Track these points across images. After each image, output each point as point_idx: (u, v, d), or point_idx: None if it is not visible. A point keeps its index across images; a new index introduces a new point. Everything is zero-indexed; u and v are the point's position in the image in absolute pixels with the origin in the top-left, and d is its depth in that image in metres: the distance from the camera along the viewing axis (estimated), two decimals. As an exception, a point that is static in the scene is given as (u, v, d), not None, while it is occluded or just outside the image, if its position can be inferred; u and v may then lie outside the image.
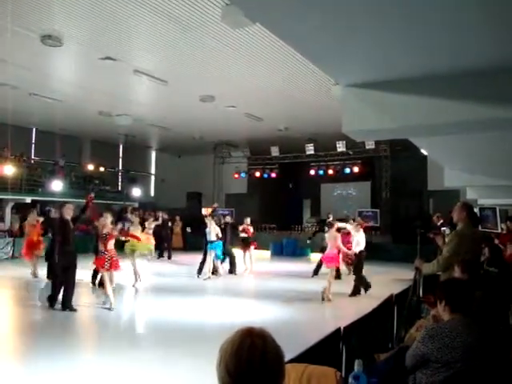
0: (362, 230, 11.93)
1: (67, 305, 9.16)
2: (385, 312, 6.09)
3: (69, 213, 9.57)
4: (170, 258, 19.34)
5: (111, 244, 9.72)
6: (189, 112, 17.96)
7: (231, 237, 15.37)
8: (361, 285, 11.27)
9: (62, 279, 9.38)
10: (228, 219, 15.82)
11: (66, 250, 9.33)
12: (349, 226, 12.23)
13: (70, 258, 9.42)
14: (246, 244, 15.41)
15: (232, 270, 14.91)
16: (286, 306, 10.29)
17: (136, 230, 12.62)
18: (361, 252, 11.56)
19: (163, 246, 19.69)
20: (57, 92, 15.60)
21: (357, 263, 11.55)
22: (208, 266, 13.89)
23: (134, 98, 16.74)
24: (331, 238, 11.05)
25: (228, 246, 15.00)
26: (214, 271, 14.33)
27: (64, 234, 9.38)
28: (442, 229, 10.13)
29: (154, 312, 9.69)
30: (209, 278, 13.73)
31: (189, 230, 21.39)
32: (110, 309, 9.27)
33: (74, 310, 9.13)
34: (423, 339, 3.06)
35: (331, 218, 14.94)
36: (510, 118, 4.02)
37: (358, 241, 11.61)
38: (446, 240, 5.64)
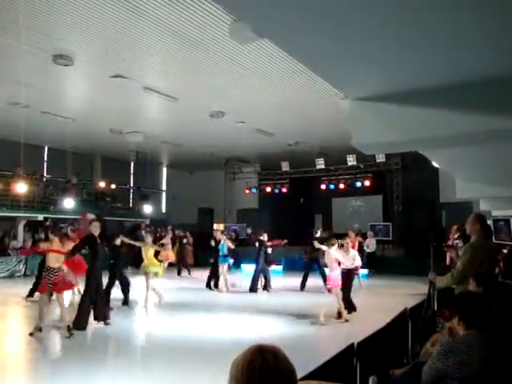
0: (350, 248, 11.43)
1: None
2: (399, 327, 5.99)
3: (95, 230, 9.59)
4: (189, 273, 19.35)
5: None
6: (199, 128, 18.04)
7: (264, 254, 15.08)
8: (348, 304, 10.71)
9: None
10: (263, 237, 15.38)
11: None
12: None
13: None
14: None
15: (266, 286, 14.82)
16: (298, 321, 10.19)
17: (148, 249, 12.14)
18: (350, 270, 11.02)
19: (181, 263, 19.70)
20: (68, 110, 15.77)
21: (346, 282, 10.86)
22: (224, 280, 13.99)
23: (145, 115, 16.86)
24: (330, 259, 10.37)
25: (263, 264, 14.88)
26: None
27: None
28: (455, 242, 10.00)
29: (165, 328, 9.64)
30: (226, 290, 13.72)
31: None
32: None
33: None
34: (439, 355, 3.00)
35: (319, 234, 14.60)
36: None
37: (354, 257, 11.22)
38: (460, 253, 5.56)
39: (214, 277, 15.09)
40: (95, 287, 9.40)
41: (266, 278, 14.81)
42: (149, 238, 12.55)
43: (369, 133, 4.53)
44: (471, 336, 3.03)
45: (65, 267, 9.43)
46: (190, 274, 19.26)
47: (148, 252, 12.06)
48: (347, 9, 2.95)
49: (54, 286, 8.77)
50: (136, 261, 12.23)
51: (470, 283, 4.32)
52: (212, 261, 15.20)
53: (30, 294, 12.12)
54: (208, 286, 15.06)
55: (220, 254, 14.73)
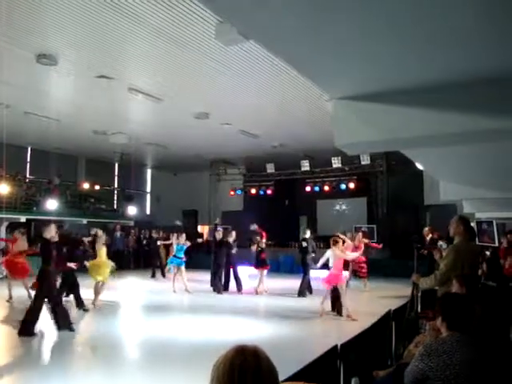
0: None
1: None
2: (383, 328, 6.01)
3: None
4: (163, 275, 19.18)
5: None
6: (184, 130, 17.99)
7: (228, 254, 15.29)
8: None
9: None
10: (230, 237, 15.53)
11: None
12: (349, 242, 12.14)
13: None
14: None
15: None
16: (282, 323, 10.17)
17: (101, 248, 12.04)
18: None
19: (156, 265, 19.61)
20: (52, 111, 15.59)
21: None
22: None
23: (129, 116, 16.75)
24: (337, 257, 10.66)
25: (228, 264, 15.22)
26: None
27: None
28: (439, 243, 10.07)
29: (146, 331, 9.55)
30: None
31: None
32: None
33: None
34: (422, 356, 3.00)
35: (308, 235, 14.71)
36: (503, 128, 4.01)
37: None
38: (443, 254, 5.60)
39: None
40: (49, 293, 9.10)
41: (236, 279, 14.95)
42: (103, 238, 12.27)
43: (351, 132, 4.54)
44: (454, 337, 3.04)
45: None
46: (163, 276, 19.11)
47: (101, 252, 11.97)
48: (331, 8, 2.95)
49: None
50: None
51: (453, 284, 4.34)
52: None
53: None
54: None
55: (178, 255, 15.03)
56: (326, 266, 11.40)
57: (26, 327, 8.69)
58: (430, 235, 12.64)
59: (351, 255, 11.85)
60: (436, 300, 3.50)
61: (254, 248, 15.03)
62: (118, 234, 23.07)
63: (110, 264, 12.11)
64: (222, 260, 15.05)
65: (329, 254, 10.94)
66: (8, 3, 8.55)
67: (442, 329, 3.17)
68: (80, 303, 11.28)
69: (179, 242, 15.22)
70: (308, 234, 14.76)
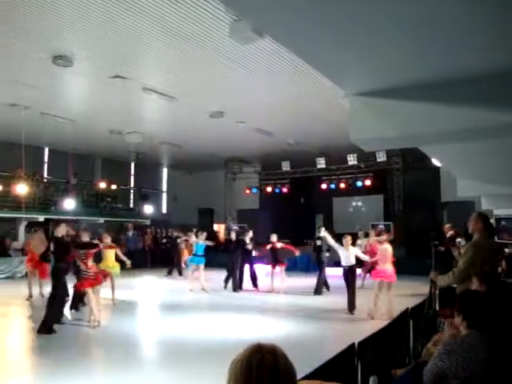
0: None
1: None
2: (400, 326, 5.96)
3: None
4: (180, 274, 19.28)
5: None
6: (199, 128, 18.03)
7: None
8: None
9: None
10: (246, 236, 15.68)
11: None
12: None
13: None
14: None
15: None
16: (298, 321, 10.15)
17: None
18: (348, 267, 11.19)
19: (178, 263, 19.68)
20: (68, 111, 15.76)
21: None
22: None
23: (144, 115, 16.85)
24: (384, 252, 10.68)
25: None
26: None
27: None
28: (457, 240, 9.96)
29: (164, 329, 9.60)
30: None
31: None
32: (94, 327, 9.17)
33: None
34: (440, 354, 2.96)
35: (322, 233, 14.69)
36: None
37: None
38: (462, 251, 5.53)
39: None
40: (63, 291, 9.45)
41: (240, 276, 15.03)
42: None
43: (367, 128, 4.49)
44: (474, 335, 3.00)
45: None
46: (180, 274, 19.20)
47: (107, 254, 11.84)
48: (349, 2, 2.92)
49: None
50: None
51: (473, 282, 4.28)
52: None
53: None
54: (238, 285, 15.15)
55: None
56: (338, 263, 11.44)
57: (46, 326, 8.81)
58: (451, 232, 12.50)
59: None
60: (455, 298, 3.46)
61: (268, 247, 15.01)
62: (131, 233, 23.11)
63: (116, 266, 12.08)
64: (236, 259, 15.04)
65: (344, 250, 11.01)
66: (24, 6, 8.63)
67: (462, 327, 3.12)
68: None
69: (199, 241, 15.21)
70: (322, 233, 14.72)
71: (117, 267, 12.04)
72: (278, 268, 14.85)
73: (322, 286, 13.91)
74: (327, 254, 14.01)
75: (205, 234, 15.71)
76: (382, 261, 10.53)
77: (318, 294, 13.62)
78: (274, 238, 15.16)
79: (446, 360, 2.91)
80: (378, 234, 15.71)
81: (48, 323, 8.85)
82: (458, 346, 2.94)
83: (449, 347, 2.97)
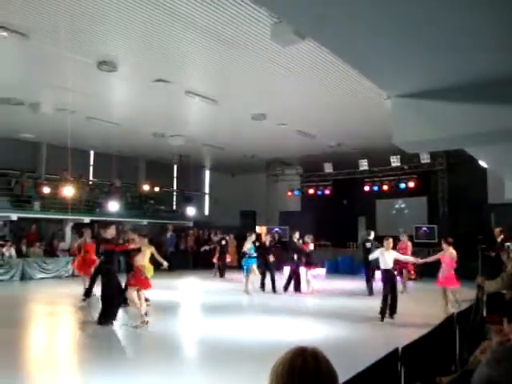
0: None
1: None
2: (446, 332, 5.81)
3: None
4: (222, 276, 19.38)
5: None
6: (241, 131, 18.13)
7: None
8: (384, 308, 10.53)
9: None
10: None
11: None
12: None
13: None
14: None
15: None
16: (341, 324, 10.04)
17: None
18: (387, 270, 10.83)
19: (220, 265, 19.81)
20: (112, 115, 16.12)
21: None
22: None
23: (187, 118, 17.06)
24: (450, 255, 10.60)
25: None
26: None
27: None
28: (506, 244, 9.67)
29: (205, 330, 9.67)
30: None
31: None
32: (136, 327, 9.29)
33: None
34: (489, 362, 2.84)
35: (372, 236, 14.56)
36: None
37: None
38: (511, 256, 5.35)
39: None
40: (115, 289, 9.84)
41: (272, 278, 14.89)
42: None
43: (411, 130, 4.41)
44: (525, 343, 2.88)
45: None
46: (222, 276, 19.28)
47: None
48: (392, 7, 2.88)
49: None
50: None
51: (523, 288, 4.14)
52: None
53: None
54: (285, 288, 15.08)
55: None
56: (378, 267, 11.28)
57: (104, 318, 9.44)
58: (502, 236, 12.15)
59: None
60: (504, 304, 3.34)
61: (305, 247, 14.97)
62: (169, 234, 23.26)
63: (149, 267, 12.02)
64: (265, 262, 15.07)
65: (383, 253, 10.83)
66: (70, 14, 8.87)
67: (512, 334, 3.01)
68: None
69: (254, 241, 15.24)
70: (372, 236, 14.62)
71: (150, 268, 11.80)
72: (313, 270, 14.77)
73: (372, 288, 13.93)
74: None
75: (254, 235, 15.77)
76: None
77: (372, 295, 13.67)
78: (307, 239, 15.18)
79: (495, 368, 2.79)
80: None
81: (103, 316, 9.43)
82: (509, 354, 2.83)
83: (498, 354, 2.85)
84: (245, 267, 14.93)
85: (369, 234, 14.89)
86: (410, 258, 12.71)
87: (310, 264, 14.91)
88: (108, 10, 8.81)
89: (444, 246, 10.82)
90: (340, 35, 3.30)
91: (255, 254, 15.00)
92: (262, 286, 15.08)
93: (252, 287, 14.68)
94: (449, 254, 10.54)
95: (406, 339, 4.77)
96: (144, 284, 9.58)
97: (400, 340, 4.99)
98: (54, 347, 8.66)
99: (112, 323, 9.45)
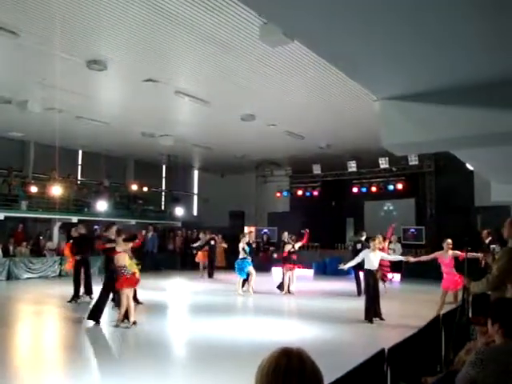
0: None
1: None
2: (432, 333, 5.86)
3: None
4: (210, 276, 19.35)
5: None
6: (230, 131, 18.12)
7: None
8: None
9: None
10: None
11: None
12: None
13: None
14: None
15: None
16: (328, 325, 10.06)
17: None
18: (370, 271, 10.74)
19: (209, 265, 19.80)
20: (101, 114, 16.05)
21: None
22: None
23: (176, 118, 17.01)
24: (449, 257, 10.64)
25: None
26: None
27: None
28: (492, 246, 9.76)
29: (194, 331, 9.65)
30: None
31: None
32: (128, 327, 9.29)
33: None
34: (474, 363, 2.88)
35: (364, 237, 14.63)
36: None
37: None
38: (496, 257, 5.40)
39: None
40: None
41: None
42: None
43: (399, 133, 4.43)
44: (510, 345, 2.91)
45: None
46: (210, 276, 19.24)
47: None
48: (377, 9, 2.90)
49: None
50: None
51: (508, 289, 4.18)
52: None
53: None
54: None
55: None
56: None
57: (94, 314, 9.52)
58: (489, 238, 12.25)
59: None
60: (489, 305, 3.37)
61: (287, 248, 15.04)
62: (150, 234, 22.98)
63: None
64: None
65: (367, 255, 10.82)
66: (59, 12, 8.82)
67: (497, 336, 3.04)
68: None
69: (248, 242, 15.19)
70: (364, 237, 14.70)
71: (132, 264, 11.78)
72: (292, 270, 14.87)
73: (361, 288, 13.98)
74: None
75: (248, 236, 15.76)
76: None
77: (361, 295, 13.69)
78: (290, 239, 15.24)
79: (479, 369, 2.84)
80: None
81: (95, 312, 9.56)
82: (493, 355, 2.87)
83: (482, 356, 2.89)
84: (237, 268, 14.91)
85: (361, 235, 14.97)
86: (398, 257, 12.75)
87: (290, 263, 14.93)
88: (98, 9, 8.76)
89: (446, 248, 10.82)
90: (326, 38, 3.31)
91: (242, 255, 14.98)
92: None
93: (246, 288, 14.68)
94: (452, 254, 10.58)
95: (393, 340, 4.80)
96: (129, 282, 9.49)
97: (387, 341, 5.02)
98: (40, 347, 8.59)
99: (99, 322, 9.47)
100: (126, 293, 9.37)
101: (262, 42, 9.50)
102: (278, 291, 14.79)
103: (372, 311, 10.35)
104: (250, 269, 14.67)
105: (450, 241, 10.98)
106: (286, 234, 15.63)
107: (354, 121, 15.91)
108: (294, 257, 14.91)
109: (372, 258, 10.63)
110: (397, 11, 2.92)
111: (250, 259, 14.71)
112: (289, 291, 14.62)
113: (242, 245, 14.78)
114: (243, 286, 14.71)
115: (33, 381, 6.37)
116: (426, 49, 3.44)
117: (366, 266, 10.72)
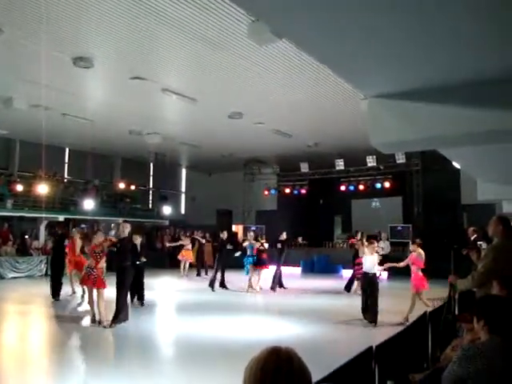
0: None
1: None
2: (419, 330, 5.90)
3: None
4: (206, 273, 19.35)
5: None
6: (218, 129, 18.08)
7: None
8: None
9: None
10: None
11: None
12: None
13: None
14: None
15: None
16: (316, 323, 10.10)
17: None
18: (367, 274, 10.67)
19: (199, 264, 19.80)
20: (88, 112, 15.93)
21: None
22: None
23: (164, 116, 16.95)
24: (418, 255, 10.56)
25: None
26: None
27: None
28: (478, 243, 9.82)
29: (184, 330, 9.63)
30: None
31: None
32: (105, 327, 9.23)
33: None
34: (459, 360, 2.90)
35: (359, 237, 14.72)
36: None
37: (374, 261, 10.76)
38: (482, 255, 5.45)
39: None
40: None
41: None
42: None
43: (387, 131, 4.45)
44: (495, 341, 2.93)
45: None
46: (206, 274, 19.22)
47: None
48: (369, 9, 2.91)
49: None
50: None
51: (494, 286, 4.21)
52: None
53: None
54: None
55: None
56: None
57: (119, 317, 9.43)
58: (475, 235, 12.34)
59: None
60: (476, 302, 3.39)
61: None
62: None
63: None
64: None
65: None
66: (45, 8, 8.73)
67: (482, 332, 3.06)
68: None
69: (250, 241, 15.35)
70: (359, 236, 14.78)
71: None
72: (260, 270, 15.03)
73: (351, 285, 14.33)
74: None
75: (252, 234, 15.98)
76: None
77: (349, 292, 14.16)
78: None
79: (465, 366, 2.85)
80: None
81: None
82: (478, 351, 2.88)
83: (468, 353, 2.91)
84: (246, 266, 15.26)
85: (357, 235, 15.20)
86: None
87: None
88: (85, 6, 8.70)
89: (412, 247, 10.86)
90: (315, 37, 3.31)
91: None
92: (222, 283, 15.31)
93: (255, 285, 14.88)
94: (417, 254, 10.58)
95: (381, 337, 4.82)
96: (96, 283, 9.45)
97: (375, 338, 5.04)
98: (26, 347, 8.50)
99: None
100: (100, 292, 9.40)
101: (250, 40, 9.49)
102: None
103: (377, 312, 10.24)
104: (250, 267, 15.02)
105: (418, 240, 11.07)
106: (251, 234, 15.96)
107: (342, 119, 15.96)
108: (264, 256, 15.07)
109: (367, 261, 10.63)
110: (384, 12, 2.93)
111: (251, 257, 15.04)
112: (252, 287, 14.81)
113: (245, 243, 15.48)
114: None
115: (19, 381, 6.31)
116: (412, 49, 3.45)
117: (364, 269, 10.73)
